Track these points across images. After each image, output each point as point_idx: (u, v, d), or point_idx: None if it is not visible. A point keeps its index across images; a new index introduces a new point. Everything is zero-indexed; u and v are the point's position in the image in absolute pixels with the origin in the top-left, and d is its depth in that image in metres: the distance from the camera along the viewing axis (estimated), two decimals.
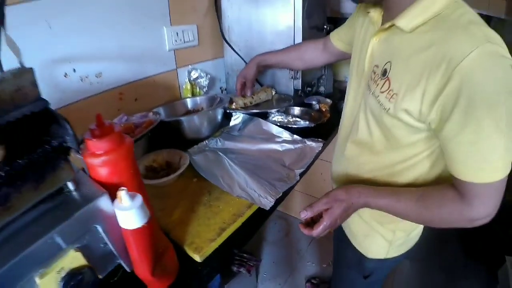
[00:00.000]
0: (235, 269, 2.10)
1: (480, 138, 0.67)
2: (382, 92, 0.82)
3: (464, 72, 0.64)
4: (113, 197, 0.65)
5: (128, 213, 0.63)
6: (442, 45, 0.68)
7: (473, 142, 0.68)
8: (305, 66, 1.50)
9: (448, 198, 0.78)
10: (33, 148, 0.64)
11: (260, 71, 1.62)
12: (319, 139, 1.35)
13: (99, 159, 0.66)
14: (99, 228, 0.67)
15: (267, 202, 0.99)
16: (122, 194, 0.62)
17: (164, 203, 1.04)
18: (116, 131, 0.69)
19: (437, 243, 2.36)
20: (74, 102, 1.23)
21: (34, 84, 0.62)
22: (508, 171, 0.70)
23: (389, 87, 0.80)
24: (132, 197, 0.64)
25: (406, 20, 0.75)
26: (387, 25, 0.81)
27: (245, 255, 2.22)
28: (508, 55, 0.65)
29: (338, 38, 1.28)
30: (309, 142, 1.33)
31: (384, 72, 0.83)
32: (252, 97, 1.64)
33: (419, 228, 1.05)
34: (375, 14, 0.90)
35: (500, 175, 0.69)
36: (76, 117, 1.16)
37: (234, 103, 1.58)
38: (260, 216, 0.99)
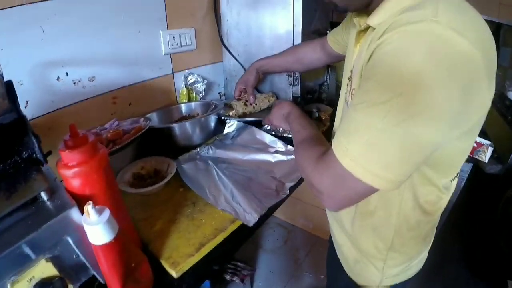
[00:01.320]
0: (228, 277, 2.08)
1: (354, 110, 0.61)
2: (350, 93, 0.80)
3: (383, 42, 0.58)
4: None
5: (94, 228, 0.61)
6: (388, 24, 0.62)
7: (352, 110, 0.63)
8: (305, 68, 1.47)
9: (319, 148, 0.75)
10: (5, 159, 0.66)
11: (260, 78, 1.57)
12: None
13: (71, 171, 0.66)
14: (70, 240, 0.66)
15: (251, 218, 0.95)
16: (89, 208, 0.60)
17: (148, 212, 1.01)
18: (90, 142, 0.68)
19: (440, 261, 2.32)
20: (67, 106, 1.22)
21: (4, 97, 0.61)
22: (374, 181, 0.59)
23: (351, 86, 0.78)
24: (99, 212, 0.62)
25: (377, 17, 0.68)
26: (363, 26, 0.76)
27: (239, 263, 2.19)
28: (460, 40, 0.52)
29: (334, 41, 1.25)
30: None
31: (351, 75, 0.81)
32: (254, 106, 1.59)
33: (421, 257, 0.97)
34: (362, 19, 0.80)
35: (348, 162, 0.61)
36: (68, 121, 1.14)
37: (234, 111, 1.53)
38: (243, 232, 0.95)
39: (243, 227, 0.95)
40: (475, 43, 0.52)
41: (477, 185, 1.94)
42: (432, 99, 0.53)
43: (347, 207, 0.69)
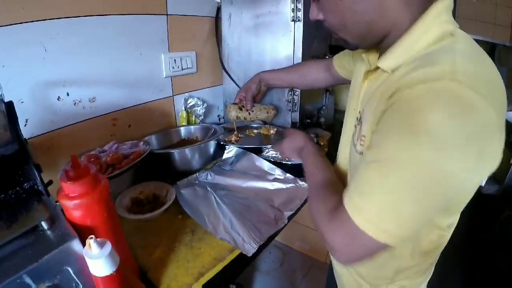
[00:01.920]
0: None
1: (368, 168, 0.60)
2: (361, 145, 0.74)
3: (399, 100, 0.57)
4: (85, 239, 0.63)
5: (96, 261, 0.60)
6: (402, 76, 0.61)
7: (365, 167, 0.61)
8: (307, 86, 1.47)
9: (331, 198, 0.72)
10: (6, 189, 0.66)
11: (262, 90, 1.56)
12: None
13: (72, 202, 0.66)
14: (70, 270, 0.66)
15: (250, 248, 0.95)
16: (91, 242, 0.60)
17: (146, 239, 1.00)
18: (91, 173, 0.68)
19: (440, 283, 2.30)
20: (66, 126, 1.22)
21: (6, 128, 0.61)
22: (386, 239, 0.58)
23: (361, 131, 0.74)
24: (101, 245, 0.62)
25: (389, 61, 0.67)
26: (373, 67, 0.77)
27: (234, 286, 2.17)
28: (478, 102, 0.51)
29: (339, 65, 1.24)
30: (301, 182, 1.29)
31: (360, 117, 0.76)
32: (249, 113, 1.56)
33: (422, 286, 0.95)
34: (371, 55, 0.81)
35: (361, 221, 0.59)
36: (68, 141, 1.23)
37: (227, 113, 1.55)
38: (242, 262, 0.95)
39: (241, 256, 0.95)
40: (491, 99, 0.52)
41: (474, 206, 1.92)
42: (448, 162, 0.53)
43: (358, 262, 0.67)
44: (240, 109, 1.55)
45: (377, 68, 0.73)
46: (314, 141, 1.07)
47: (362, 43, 0.75)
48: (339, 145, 0.99)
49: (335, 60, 1.25)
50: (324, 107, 1.94)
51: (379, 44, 0.73)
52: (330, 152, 1.55)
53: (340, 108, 2.19)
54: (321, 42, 1.71)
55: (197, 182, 1.30)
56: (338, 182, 0.85)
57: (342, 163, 0.96)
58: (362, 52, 0.82)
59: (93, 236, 0.61)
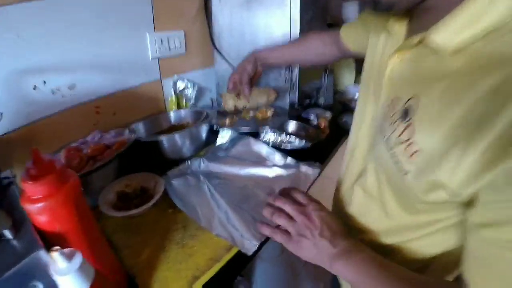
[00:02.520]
0: None
1: (501, 247, 0.42)
2: (400, 143, 0.55)
3: None
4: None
5: (64, 278, 0.49)
6: (505, 93, 0.40)
7: (498, 247, 0.42)
8: (311, 62, 1.29)
9: None
10: None
11: (259, 71, 1.33)
12: (316, 163, 1.20)
13: (35, 206, 0.56)
14: (41, 286, 0.56)
15: (251, 245, 0.84)
16: (55, 256, 0.49)
17: (133, 238, 0.90)
18: (57, 170, 0.57)
19: None
20: (45, 117, 1.12)
21: None
22: None
23: (410, 137, 0.53)
24: (69, 257, 0.51)
25: (447, 34, 0.47)
26: (415, 39, 0.54)
27: (241, 278, 2.09)
28: None
29: (348, 37, 1.06)
30: (303, 168, 1.18)
31: (406, 113, 0.55)
32: (248, 100, 1.37)
33: None
34: (397, 23, 0.64)
35: None
36: (48, 134, 1.14)
37: (224, 103, 1.37)
38: (240, 261, 0.84)
39: (240, 254, 0.84)
40: None
41: None
42: None
43: None
44: (238, 96, 1.37)
45: (419, 42, 0.54)
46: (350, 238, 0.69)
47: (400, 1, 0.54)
48: (356, 133, 0.82)
49: (343, 31, 1.08)
50: (323, 87, 1.83)
51: (420, 4, 0.53)
52: (332, 137, 1.46)
53: (340, 89, 2.09)
54: (320, 20, 1.58)
55: (189, 171, 1.19)
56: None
57: (357, 158, 0.80)
58: (391, 17, 0.66)
59: (58, 247, 0.51)
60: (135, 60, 1.38)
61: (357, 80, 2.13)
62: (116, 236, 0.90)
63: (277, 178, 1.15)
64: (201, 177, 1.13)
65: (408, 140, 0.53)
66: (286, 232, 0.72)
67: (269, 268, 2.43)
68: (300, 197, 0.78)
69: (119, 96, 1.35)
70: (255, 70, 1.31)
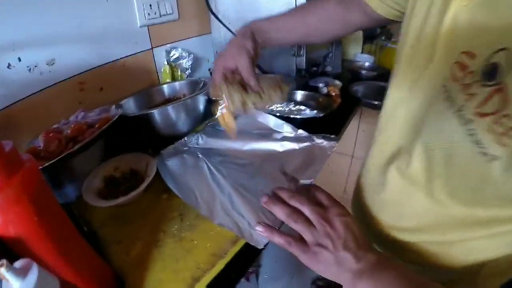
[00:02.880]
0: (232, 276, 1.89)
1: None
2: (484, 115, 0.42)
3: None
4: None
5: None
6: None
7: None
8: (328, 35, 0.95)
9: None
10: None
11: (259, 53, 0.88)
12: (332, 136, 1.04)
13: None
14: None
15: (261, 237, 0.70)
16: (3, 272, 0.38)
17: (122, 231, 0.77)
18: (3, 154, 0.43)
19: None
20: (23, 99, 0.99)
21: None
22: None
23: (503, 106, 0.40)
24: (22, 273, 0.39)
25: None
26: None
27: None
28: None
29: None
30: (318, 140, 1.03)
31: (492, 71, 0.41)
32: (260, 94, 0.83)
33: None
34: None
35: None
36: (28, 117, 1.01)
37: (226, 100, 0.81)
38: (249, 255, 0.70)
39: (247, 247, 0.71)
40: None
41: None
42: None
43: None
44: (244, 88, 0.82)
45: None
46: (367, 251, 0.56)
47: None
48: (390, 105, 0.68)
49: None
50: (330, 54, 1.68)
51: None
52: (344, 107, 1.32)
53: (348, 57, 2.00)
54: None
55: (185, 148, 1.05)
56: None
57: (391, 135, 0.67)
58: None
59: (3, 261, 0.38)
60: (122, 28, 1.23)
61: (364, 49, 2.04)
62: (104, 230, 0.78)
63: (289, 152, 1.00)
64: (200, 155, 0.99)
65: (498, 111, 0.40)
66: (301, 239, 0.59)
67: (276, 249, 2.33)
68: (322, 197, 0.64)
69: (106, 69, 1.21)
70: (256, 50, 0.86)
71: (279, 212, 0.62)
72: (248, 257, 0.70)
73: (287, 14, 0.93)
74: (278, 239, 0.61)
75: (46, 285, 0.40)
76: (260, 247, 0.69)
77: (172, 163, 0.96)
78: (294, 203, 0.62)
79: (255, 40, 0.86)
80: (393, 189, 0.66)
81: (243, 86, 0.81)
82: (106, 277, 0.63)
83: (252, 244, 0.69)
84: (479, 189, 0.47)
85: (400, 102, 0.63)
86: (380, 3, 0.75)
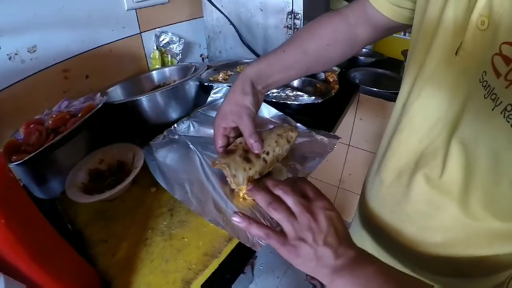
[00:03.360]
0: None
1: None
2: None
3: None
4: None
5: None
6: None
7: None
8: (336, 57, 0.86)
9: None
10: None
11: (260, 100, 0.83)
12: (334, 134, 0.96)
13: None
14: None
15: (257, 239, 0.64)
16: None
17: (108, 229, 0.72)
18: None
19: None
20: (4, 89, 0.94)
21: None
22: None
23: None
24: None
25: None
26: None
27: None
28: None
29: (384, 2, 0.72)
30: (318, 137, 0.95)
31: None
32: (264, 158, 0.77)
33: None
34: None
35: None
36: (9, 108, 0.97)
37: (230, 181, 0.73)
38: (244, 253, 0.65)
39: (242, 245, 0.65)
40: None
41: None
42: None
43: None
44: (247, 160, 0.74)
45: None
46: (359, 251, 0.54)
47: None
48: (401, 90, 0.65)
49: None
50: None
51: None
52: (343, 93, 1.27)
53: None
54: None
55: (176, 137, 0.99)
56: None
57: (410, 138, 0.62)
58: None
59: None
60: (108, 12, 1.17)
61: None
62: (90, 228, 0.72)
63: None
64: (190, 145, 0.94)
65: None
66: (281, 232, 0.56)
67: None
68: (308, 189, 0.60)
69: (91, 56, 1.15)
70: (258, 104, 0.80)
71: (261, 200, 0.58)
72: (244, 256, 0.65)
73: (284, 48, 0.83)
74: (255, 231, 0.57)
75: None
76: (258, 249, 0.63)
77: (161, 154, 0.91)
78: (278, 191, 0.58)
79: (255, 92, 0.79)
80: (419, 199, 0.62)
81: (247, 152, 0.76)
82: (90, 282, 0.58)
83: (248, 245, 0.63)
84: None
85: (423, 97, 0.58)
86: (388, 3, 0.71)
